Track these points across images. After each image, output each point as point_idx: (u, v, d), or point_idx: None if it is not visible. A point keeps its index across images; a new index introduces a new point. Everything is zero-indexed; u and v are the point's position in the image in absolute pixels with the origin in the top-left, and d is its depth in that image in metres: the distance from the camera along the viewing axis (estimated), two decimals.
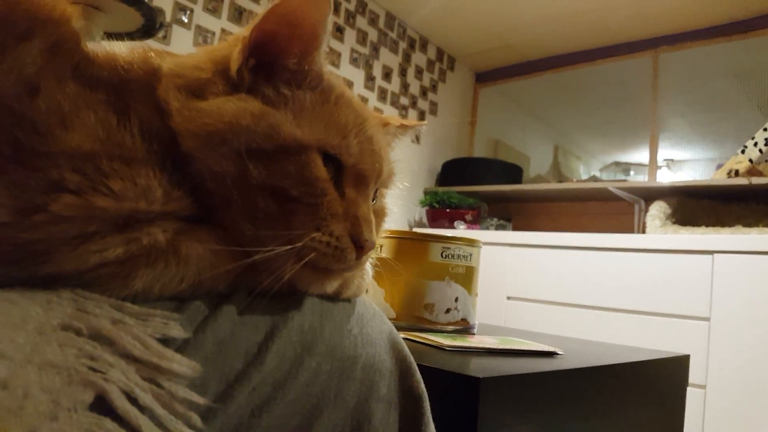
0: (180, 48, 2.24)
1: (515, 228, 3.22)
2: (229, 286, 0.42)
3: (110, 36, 1.69)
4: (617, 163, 3.78)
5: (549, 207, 3.25)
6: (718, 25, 2.78)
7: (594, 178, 3.73)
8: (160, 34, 1.99)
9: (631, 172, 3.68)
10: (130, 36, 1.71)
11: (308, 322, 0.43)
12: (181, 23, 2.24)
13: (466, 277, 1.08)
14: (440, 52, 3.46)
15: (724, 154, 3.26)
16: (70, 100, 0.36)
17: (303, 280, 0.43)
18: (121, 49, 0.44)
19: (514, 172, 3.25)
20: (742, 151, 2.36)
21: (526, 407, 0.72)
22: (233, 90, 0.42)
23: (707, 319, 2.04)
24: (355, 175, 0.46)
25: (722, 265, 2.03)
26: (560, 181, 3.57)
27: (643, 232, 2.78)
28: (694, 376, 2.02)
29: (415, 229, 3.13)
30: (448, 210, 3.03)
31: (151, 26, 1.66)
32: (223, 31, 2.39)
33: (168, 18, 2.18)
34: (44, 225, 0.33)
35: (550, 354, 0.92)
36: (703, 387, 2.00)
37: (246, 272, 0.42)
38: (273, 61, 0.44)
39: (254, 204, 0.41)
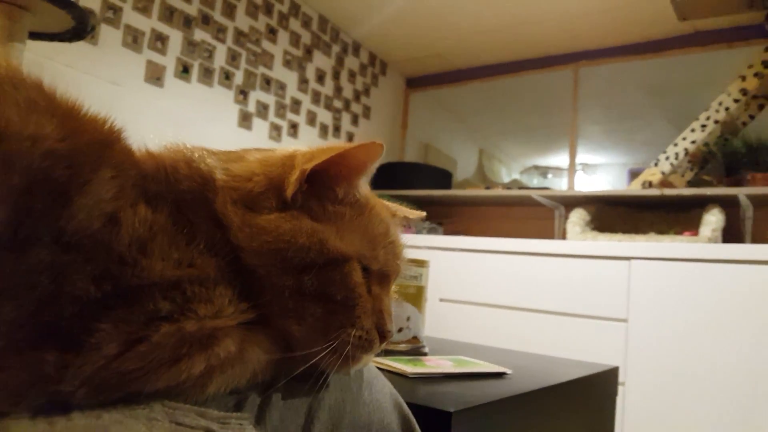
0: (109, 50, 2.14)
1: (446, 231, 3.31)
2: (271, 374, 0.47)
3: (37, 36, 1.60)
4: (536, 167, 3.97)
5: (477, 211, 3.36)
6: (634, 44, 2.98)
7: (516, 182, 3.92)
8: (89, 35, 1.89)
9: (549, 175, 3.89)
10: (59, 37, 1.62)
11: (334, 399, 0.49)
12: (109, 22, 2.13)
13: (417, 296, 1.12)
14: (372, 57, 3.49)
15: (635, 160, 3.53)
16: (145, 226, 0.39)
17: (333, 366, 0.48)
18: (161, 150, 0.47)
19: (444, 177, 3.34)
20: (656, 164, 2.54)
21: None
22: (285, 207, 0.46)
23: (625, 320, 2.19)
24: (380, 276, 0.51)
25: (638, 271, 2.19)
26: (485, 184, 3.72)
27: (564, 236, 2.95)
28: None
29: None
30: None
31: (81, 29, 1.58)
32: (153, 30, 2.30)
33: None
34: (147, 354, 0.37)
35: (500, 374, 0.97)
36: (622, 384, 2.15)
37: (285, 360, 0.46)
38: (322, 185, 0.48)
39: (305, 309, 0.45)
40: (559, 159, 3.66)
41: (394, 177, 3.27)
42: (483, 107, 3.80)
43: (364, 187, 0.52)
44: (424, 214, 0.70)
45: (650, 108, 3.16)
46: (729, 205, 2.44)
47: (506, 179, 4.06)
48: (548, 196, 2.84)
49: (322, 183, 0.48)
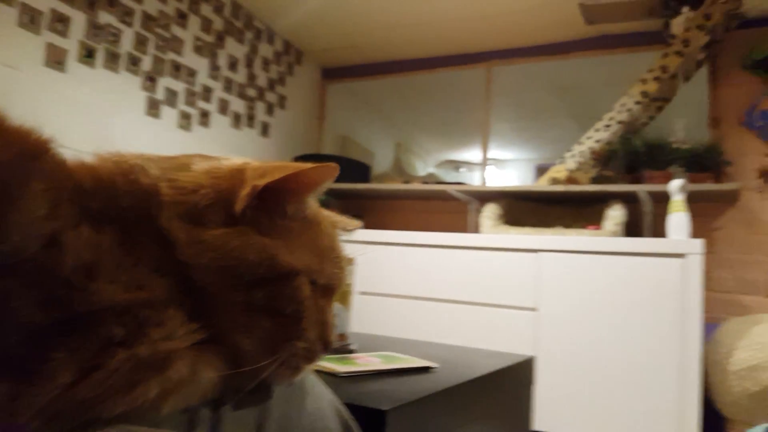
0: (3, 29, 1.95)
1: (366, 224, 3.32)
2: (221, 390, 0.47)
3: None
4: (450, 161, 4.08)
5: (395, 204, 3.40)
6: (544, 45, 3.11)
7: (432, 176, 4.01)
8: None
9: (462, 169, 4.02)
10: None
11: (280, 411, 0.51)
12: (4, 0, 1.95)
13: (344, 294, 1.12)
14: (287, 45, 3.43)
15: (542, 157, 3.72)
16: (89, 249, 0.38)
17: (278, 378, 0.49)
18: (95, 160, 0.44)
19: (362, 170, 3.34)
20: (563, 162, 2.68)
21: (421, 429, 0.78)
22: (234, 222, 0.45)
23: (535, 309, 2.30)
24: (325, 288, 0.52)
25: (547, 262, 2.30)
26: (403, 177, 3.78)
27: (478, 229, 3.04)
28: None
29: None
30: None
31: None
32: (53, 11, 2.12)
33: None
34: (102, 381, 0.36)
35: (427, 369, 0.99)
36: None
37: (234, 376, 0.46)
38: (272, 201, 0.48)
39: (255, 324, 0.45)
40: (472, 154, 3.79)
41: None
42: (400, 101, 3.84)
43: (312, 202, 0.53)
44: (360, 224, 0.70)
45: (557, 107, 3.32)
46: (630, 200, 2.61)
47: (422, 173, 4.15)
48: (463, 190, 2.91)
49: (273, 199, 0.47)
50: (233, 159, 0.51)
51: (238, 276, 0.43)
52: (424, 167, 4.19)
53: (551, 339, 2.26)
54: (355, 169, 3.30)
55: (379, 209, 3.42)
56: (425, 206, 3.31)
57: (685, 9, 2.41)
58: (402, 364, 0.98)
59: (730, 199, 2.51)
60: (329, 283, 0.52)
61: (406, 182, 3.20)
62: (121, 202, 0.42)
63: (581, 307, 2.22)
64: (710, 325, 2.42)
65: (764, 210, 2.51)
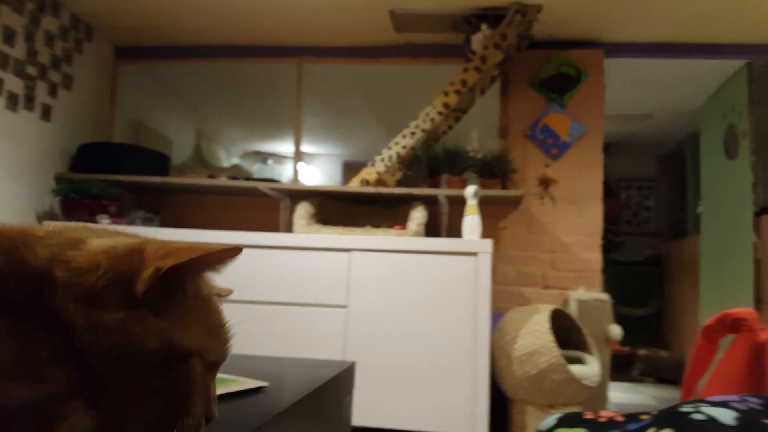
0: None
1: (164, 221, 3.08)
2: None
3: None
4: (257, 152, 4.00)
5: (199, 199, 3.21)
6: (354, 47, 3.18)
7: (236, 167, 3.88)
8: None
9: (270, 161, 3.97)
10: None
11: None
12: None
13: None
14: (76, 19, 3.01)
15: (349, 153, 3.85)
16: None
17: None
18: None
19: (161, 161, 3.09)
20: (372, 164, 2.78)
21: None
22: (133, 304, 0.43)
23: (345, 306, 2.36)
24: (212, 365, 0.52)
25: (357, 261, 2.37)
26: (204, 168, 3.59)
27: (290, 227, 3.02)
28: (337, 353, 2.33)
29: (47, 222, 2.68)
30: (87, 201, 2.70)
31: None
32: None
33: None
34: None
35: (259, 389, 0.94)
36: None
37: None
38: (172, 281, 0.46)
39: (147, 408, 0.43)
40: (280, 146, 3.75)
41: (103, 159, 2.89)
42: (204, 87, 3.65)
43: (208, 280, 0.53)
44: (232, 291, 0.66)
45: (365, 108, 3.44)
46: (431, 202, 2.81)
47: (225, 163, 3.99)
48: (275, 188, 2.86)
49: (172, 279, 0.45)
50: (127, 234, 0.48)
51: (136, 363, 0.42)
52: (228, 157, 4.04)
53: (361, 332, 2.34)
54: (153, 160, 3.04)
55: (181, 204, 3.20)
56: (233, 202, 3.18)
57: (485, 26, 2.65)
58: (233, 387, 0.92)
59: (515, 202, 2.84)
60: (217, 360, 0.52)
61: (211, 176, 3.02)
62: (8, 285, 0.38)
63: (388, 302, 2.34)
64: (496, 315, 2.72)
65: (542, 213, 2.89)
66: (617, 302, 4.92)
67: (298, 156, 3.35)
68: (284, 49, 3.25)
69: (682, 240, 4.40)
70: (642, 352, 4.41)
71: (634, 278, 5.10)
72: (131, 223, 2.83)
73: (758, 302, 2.96)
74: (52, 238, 0.43)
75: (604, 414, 0.86)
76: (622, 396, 3.67)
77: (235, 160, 4.01)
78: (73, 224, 0.48)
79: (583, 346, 2.52)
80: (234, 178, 3.07)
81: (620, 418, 0.82)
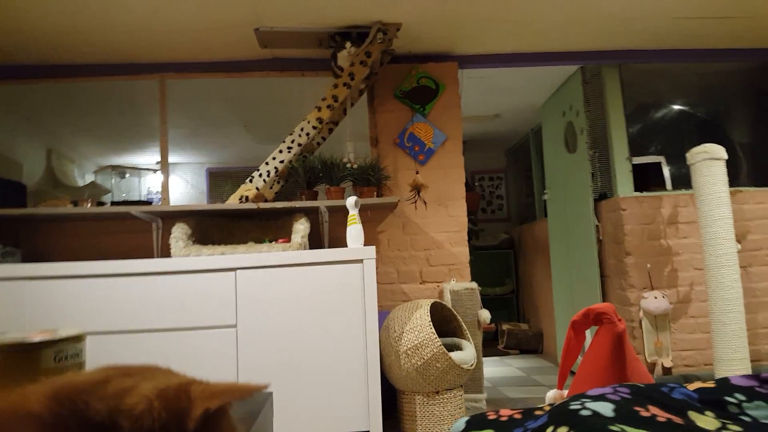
0: None
1: (26, 255, 2.85)
2: None
3: None
4: (114, 167, 3.81)
5: (62, 227, 3.00)
6: (219, 62, 3.15)
7: (93, 185, 3.67)
8: None
9: (127, 175, 3.81)
10: None
11: None
12: None
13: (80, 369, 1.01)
14: None
15: (213, 160, 3.82)
16: None
17: None
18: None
19: (16, 190, 2.85)
20: (251, 180, 2.79)
21: None
22: None
23: (234, 326, 2.38)
24: None
25: (244, 279, 2.40)
26: (59, 189, 3.36)
27: (165, 249, 2.93)
28: (227, 373, 2.34)
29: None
30: None
31: None
32: None
33: None
34: None
35: None
36: None
37: None
38: (214, 414, 0.51)
39: None
40: (137, 158, 3.62)
41: None
42: (55, 106, 3.40)
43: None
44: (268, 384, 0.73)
45: (230, 116, 3.44)
46: (312, 212, 2.89)
47: (80, 181, 3.76)
48: (148, 211, 2.76)
49: (214, 413, 0.51)
50: (158, 371, 0.53)
51: None
52: (81, 174, 3.81)
53: (251, 350, 2.37)
54: (7, 190, 2.80)
55: (43, 235, 2.97)
56: (102, 227, 3.01)
57: (349, 44, 2.77)
58: None
59: (391, 207, 3.02)
60: None
61: (75, 203, 2.85)
62: None
63: (279, 316, 2.40)
64: (382, 313, 2.89)
65: (415, 215, 3.10)
66: (480, 284, 5.36)
67: (165, 171, 3.25)
68: (146, 66, 3.14)
69: (532, 224, 4.87)
70: (505, 326, 4.85)
71: (493, 261, 5.56)
72: None
73: (603, 278, 3.42)
74: (99, 389, 0.48)
75: (504, 413, 1.03)
76: (493, 370, 4.03)
77: (90, 177, 3.78)
78: (112, 369, 0.52)
79: (459, 332, 2.77)
80: (101, 203, 2.92)
81: (518, 416, 0.99)
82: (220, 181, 4.00)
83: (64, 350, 0.98)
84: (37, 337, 0.96)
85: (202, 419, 0.49)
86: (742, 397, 1.03)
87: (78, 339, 1.01)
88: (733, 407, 1.02)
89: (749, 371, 2.42)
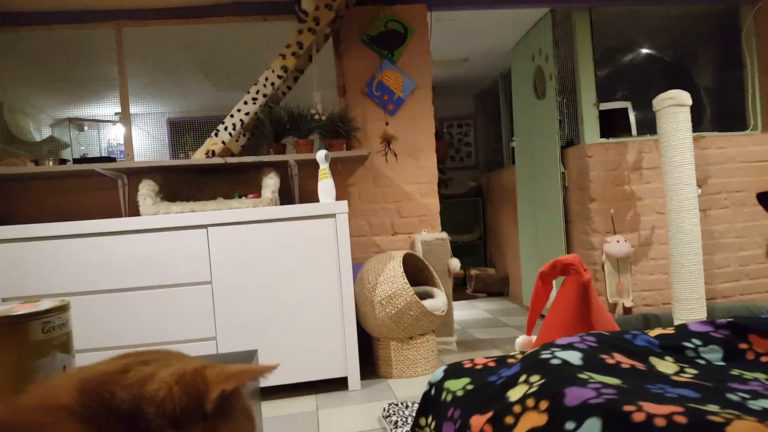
0: None
1: None
2: None
3: None
4: (72, 119, 3.72)
5: (24, 186, 2.92)
6: (177, 8, 3.01)
7: (51, 139, 3.56)
8: None
9: (86, 127, 3.73)
10: None
11: None
12: None
13: (66, 343, 1.02)
14: None
15: (173, 110, 3.73)
16: None
17: None
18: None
19: None
20: (216, 134, 2.73)
21: None
22: (205, 418, 0.52)
23: (209, 282, 2.39)
24: None
25: (217, 236, 2.40)
26: (15, 143, 3.26)
27: (133, 207, 2.89)
28: (205, 330, 2.37)
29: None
30: None
31: None
32: None
33: None
34: None
35: None
36: (214, 339, 2.38)
37: None
38: (230, 395, 0.54)
39: None
40: (95, 110, 3.52)
41: None
42: (5, 59, 3.24)
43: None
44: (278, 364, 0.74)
45: (190, 66, 3.33)
46: (281, 166, 2.86)
47: (37, 136, 3.64)
48: (114, 168, 2.70)
49: (230, 394, 0.54)
50: (173, 356, 0.55)
51: None
52: (38, 127, 3.69)
53: (227, 306, 2.40)
54: None
55: (2, 196, 2.89)
56: (65, 185, 2.94)
57: None
58: None
59: (361, 159, 3.01)
60: None
61: (35, 161, 2.76)
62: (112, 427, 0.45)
63: (254, 271, 2.42)
64: (356, 265, 2.93)
65: (385, 167, 3.10)
66: (449, 232, 5.44)
67: (128, 124, 3.15)
68: (100, 13, 2.99)
69: (500, 171, 4.93)
70: (473, 271, 4.98)
71: (461, 208, 5.63)
72: None
73: (567, 223, 3.51)
74: (120, 379, 0.50)
75: (479, 361, 1.08)
76: (462, 313, 4.15)
77: (47, 131, 3.67)
78: (126, 359, 0.54)
79: (431, 281, 2.84)
80: (63, 161, 2.84)
81: (492, 364, 1.04)
82: (182, 131, 3.91)
83: (51, 321, 0.98)
84: (22, 310, 0.96)
85: (218, 400, 0.51)
86: (698, 342, 1.10)
87: (63, 309, 1.01)
88: (690, 351, 1.09)
89: (704, 310, 2.56)
